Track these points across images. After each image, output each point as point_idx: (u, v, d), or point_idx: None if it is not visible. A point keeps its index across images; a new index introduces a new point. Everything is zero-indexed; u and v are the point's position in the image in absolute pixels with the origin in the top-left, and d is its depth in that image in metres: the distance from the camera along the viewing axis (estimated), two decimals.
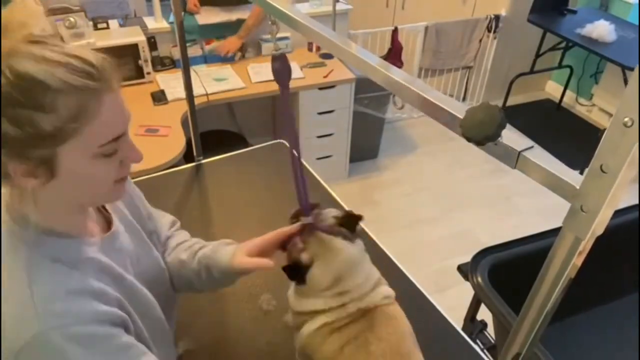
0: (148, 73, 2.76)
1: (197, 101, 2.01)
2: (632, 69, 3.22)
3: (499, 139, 0.58)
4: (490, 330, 1.63)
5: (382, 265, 1.52)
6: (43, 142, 0.64)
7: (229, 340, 1.28)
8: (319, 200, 1.44)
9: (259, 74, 2.89)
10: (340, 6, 3.13)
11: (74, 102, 0.64)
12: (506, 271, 1.59)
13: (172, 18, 2.77)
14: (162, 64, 2.91)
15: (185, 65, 1.71)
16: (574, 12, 3.82)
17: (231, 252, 1.00)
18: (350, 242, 1.00)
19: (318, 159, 3.19)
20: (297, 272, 0.98)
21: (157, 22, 2.86)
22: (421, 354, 1.03)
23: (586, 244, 0.56)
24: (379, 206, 3.28)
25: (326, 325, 0.98)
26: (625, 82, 3.66)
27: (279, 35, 3.08)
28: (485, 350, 1.51)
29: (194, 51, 2.93)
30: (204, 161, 1.92)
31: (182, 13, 1.76)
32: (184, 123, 2.44)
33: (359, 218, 1.04)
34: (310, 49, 3.25)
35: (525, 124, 3.75)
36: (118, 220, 0.88)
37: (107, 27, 2.72)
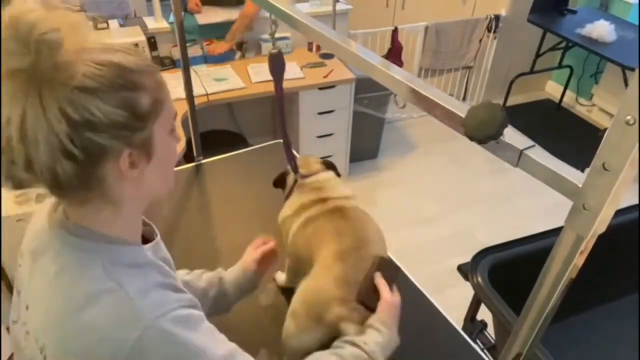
0: None
1: (197, 101, 2.01)
2: (632, 69, 3.23)
3: (501, 137, 0.58)
4: (490, 330, 1.63)
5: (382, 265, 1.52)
6: (145, 120, 0.68)
7: None
8: None
9: (259, 74, 2.89)
10: (340, 6, 3.13)
11: (152, 79, 0.69)
12: (506, 271, 1.59)
13: (172, 18, 2.77)
14: (162, 64, 2.91)
15: (185, 65, 1.71)
16: (574, 12, 3.82)
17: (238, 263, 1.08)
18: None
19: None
20: (281, 180, 1.32)
21: (157, 22, 2.86)
22: (387, 253, 1.18)
23: (588, 243, 0.56)
24: (378, 206, 3.28)
25: (309, 219, 1.18)
26: (625, 82, 3.66)
27: (279, 35, 3.07)
28: (485, 350, 1.51)
29: (194, 51, 2.93)
30: (204, 161, 1.92)
31: (182, 13, 1.76)
32: (184, 123, 2.43)
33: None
34: (310, 49, 3.25)
35: (525, 124, 3.74)
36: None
37: (107, 27, 2.72)
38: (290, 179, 1.31)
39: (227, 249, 1.53)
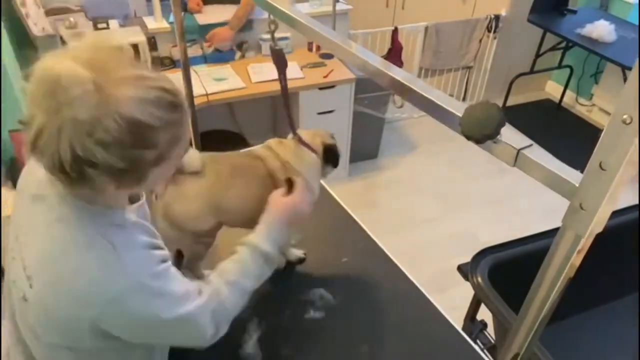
0: None
1: (197, 101, 2.02)
2: (632, 69, 3.22)
3: (498, 137, 0.58)
4: (490, 330, 1.63)
5: (382, 265, 1.53)
6: (143, 168, 0.77)
7: None
8: (318, 201, 1.44)
9: (259, 74, 2.89)
10: (340, 6, 3.13)
11: (170, 134, 0.77)
12: (506, 271, 1.59)
13: (172, 18, 2.77)
14: (162, 64, 2.91)
15: (185, 65, 1.71)
16: (574, 12, 3.81)
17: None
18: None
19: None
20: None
21: (157, 22, 2.86)
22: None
23: (585, 242, 0.56)
24: (379, 206, 3.28)
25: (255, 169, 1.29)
26: (625, 82, 3.65)
27: (279, 35, 3.08)
28: (485, 350, 1.50)
29: (194, 51, 2.93)
30: None
31: (182, 13, 1.76)
32: None
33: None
34: (310, 49, 3.25)
35: (525, 124, 3.73)
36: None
37: (107, 27, 2.72)
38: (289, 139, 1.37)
39: (227, 249, 1.52)
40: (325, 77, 2.96)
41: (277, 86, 1.28)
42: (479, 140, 0.59)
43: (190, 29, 2.89)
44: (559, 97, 4.37)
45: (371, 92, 3.21)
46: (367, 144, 3.56)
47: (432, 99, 0.69)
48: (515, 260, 1.64)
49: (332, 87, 2.97)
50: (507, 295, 1.48)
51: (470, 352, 1.30)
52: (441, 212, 3.25)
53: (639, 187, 1.90)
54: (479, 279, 1.54)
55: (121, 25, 2.78)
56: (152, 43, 2.84)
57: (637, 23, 3.59)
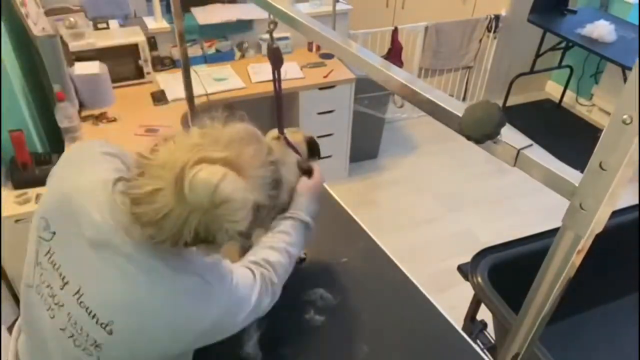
0: (148, 73, 2.76)
1: (197, 101, 2.01)
2: (632, 69, 3.22)
3: (498, 137, 0.58)
4: (490, 330, 1.63)
5: (382, 265, 1.53)
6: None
7: None
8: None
9: (259, 74, 2.89)
10: (340, 6, 3.13)
11: (271, 208, 0.89)
12: (506, 271, 1.59)
13: (172, 18, 2.77)
14: (162, 64, 2.91)
15: (185, 65, 1.71)
16: (574, 12, 3.81)
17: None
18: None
19: (318, 158, 3.18)
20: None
21: (157, 22, 2.86)
22: None
23: (585, 243, 0.56)
24: (379, 206, 3.28)
25: None
26: (625, 82, 3.65)
27: (279, 35, 3.08)
28: (485, 350, 1.50)
29: (194, 51, 2.93)
30: None
31: (182, 13, 1.76)
32: (184, 123, 2.44)
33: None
34: (310, 49, 3.25)
35: (525, 124, 3.74)
36: None
37: (107, 27, 2.72)
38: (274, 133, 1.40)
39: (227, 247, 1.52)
40: (325, 77, 2.96)
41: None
42: (479, 140, 0.59)
43: (190, 29, 2.89)
44: (559, 97, 4.37)
45: (371, 92, 3.21)
46: (367, 144, 3.56)
47: (432, 99, 0.69)
48: (515, 260, 1.64)
49: (332, 87, 2.97)
50: (507, 295, 1.48)
51: (470, 352, 1.30)
52: (441, 212, 3.25)
53: (639, 187, 1.90)
54: (479, 279, 1.54)
55: (121, 25, 2.79)
56: (152, 43, 2.84)
57: (637, 23, 3.59)
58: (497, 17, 3.72)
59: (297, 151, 1.36)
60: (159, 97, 2.65)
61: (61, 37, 2.45)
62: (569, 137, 3.97)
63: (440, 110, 0.67)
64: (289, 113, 3.04)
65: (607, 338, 1.88)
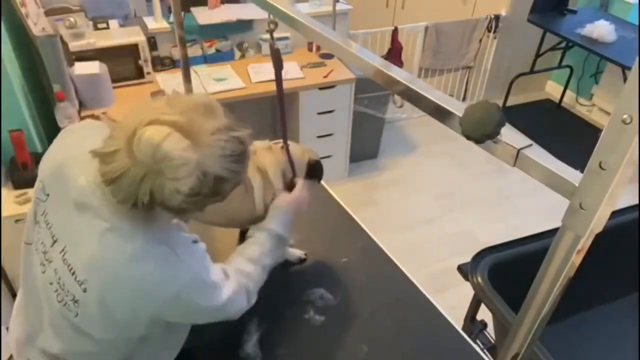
0: (148, 73, 2.76)
1: None
2: (631, 69, 3.22)
3: (498, 137, 0.58)
4: (490, 330, 1.63)
5: (382, 265, 1.53)
6: (205, 207, 0.87)
7: None
8: (318, 201, 1.44)
9: (259, 74, 2.89)
10: (340, 6, 3.13)
11: (236, 181, 0.88)
12: (506, 271, 1.59)
13: (172, 18, 2.77)
14: (162, 64, 2.91)
15: (185, 65, 1.71)
16: (574, 12, 3.81)
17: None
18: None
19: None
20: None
21: (157, 22, 2.86)
22: None
23: (585, 242, 0.56)
24: (379, 206, 3.27)
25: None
26: (625, 82, 3.65)
27: (279, 35, 3.08)
28: (485, 350, 1.51)
29: (194, 51, 2.93)
30: None
31: (182, 13, 1.77)
32: None
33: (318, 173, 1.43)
34: (310, 49, 3.25)
35: (525, 124, 3.74)
36: None
37: (107, 27, 2.72)
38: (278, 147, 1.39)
39: (227, 248, 1.53)
40: (325, 77, 2.96)
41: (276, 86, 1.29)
42: (478, 140, 0.59)
43: (190, 29, 2.89)
44: (559, 97, 4.37)
45: (371, 92, 3.21)
46: (367, 144, 3.56)
47: (432, 99, 0.69)
48: (515, 260, 1.64)
49: (332, 87, 2.97)
50: (507, 295, 1.48)
51: (470, 352, 1.30)
52: (441, 212, 3.25)
53: (639, 187, 1.90)
54: (479, 279, 1.54)
55: (121, 25, 2.78)
56: (152, 43, 2.84)
57: (637, 23, 3.59)
58: (497, 17, 3.72)
59: (293, 167, 1.34)
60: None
61: (61, 37, 2.45)
62: (569, 137, 3.97)
63: (440, 110, 0.67)
64: (289, 113, 3.04)
65: (607, 338, 1.88)
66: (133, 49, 2.65)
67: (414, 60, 3.76)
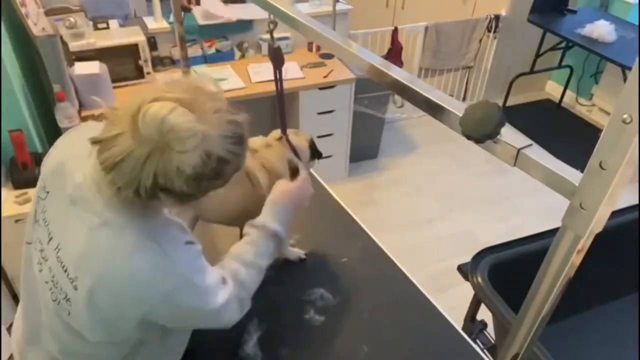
0: (148, 73, 2.76)
1: None
2: (631, 69, 3.22)
3: (498, 137, 0.58)
4: (490, 330, 1.63)
5: (382, 265, 1.53)
6: (207, 193, 0.86)
7: None
8: (318, 201, 1.44)
9: (259, 74, 2.89)
10: (340, 6, 3.13)
11: (236, 164, 0.86)
12: (506, 271, 1.59)
13: (172, 18, 2.77)
14: (162, 64, 2.91)
15: (185, 65, 1.71)
16: (574, 12, 3.81)
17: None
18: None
19: (318, 159, 3.18)
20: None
21: (157, 22, 2.86)
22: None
23: (585, 242, 0.56)
24: (379, 206, 3.28)
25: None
26: (625, 82, 3.65)
27: (279, 35, 3.08)
28: (485, 350, 1.51)
29: (194, 51, 2.93)
30: None
31: (182, 13, 1.76)
32: None
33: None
34: (310, 49, 3.25)
35: (525, 124, 3.74)
36: None
37: (107, 27, 2.72)
38: (277, 134, 1.40)
39: (227, 248, 1.53)
40: (325, 77, 2.96)
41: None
42: (479, 140, 0.59)
43: (190, 29, 2.89)
44: (559, 97, 4.37)
45: (371, 92, 3.21)
46: (367, 144, 3.56)
47: (432, 99, 0.69)
48: (515, 260, 1.64)
49: (332, 87, 2.97)
50: (507, 295, 1.48)
51: (470, 352, 1.30)
52: (441, 212, 3.25)
53: (639, 187, 1.90)
54: (479, 279, 1.54)
55: (121, 25, 2.79)
56: (152, 43, 2.84)
57: (637, 23, 3.59)
58: (497, 17, 3.72)
59: (297, 154, 1.36)
60: None
61: (61, 37, 2.45)
62: (569, 137, 3.97)
63: (440, 110, 0.67)
64: (289, 113, 3.04)
65: (607, 338, 1.88)
66: (133, 49, 2.65)
67: (414, 60, 3.76)
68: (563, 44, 3.92)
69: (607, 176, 0.50)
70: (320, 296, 1.39)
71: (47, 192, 0.94)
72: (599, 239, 0.57)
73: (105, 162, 0.78)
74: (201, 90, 0.83)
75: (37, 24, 2.32)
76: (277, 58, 1.30)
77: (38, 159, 2.11)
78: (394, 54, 3.56)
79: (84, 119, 2.41)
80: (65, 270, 0.87)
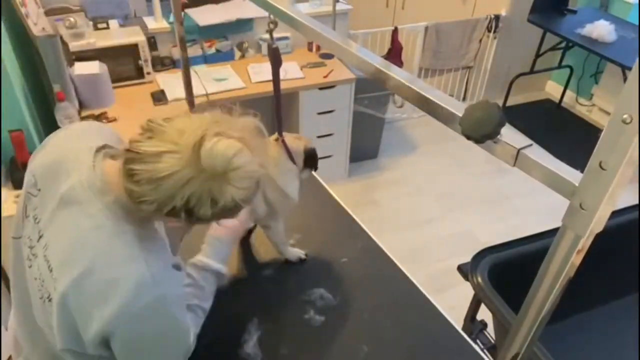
0: (148, 73, 2.76)
1: (197, 101, 2.02)
2: (632, 69, 3.22)
3: (498, 137, 0.58)
4: (490, 330, 1.63)
5: (382, 265, 1.53)
6: (214, 221, 0.88)
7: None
8: (318, 201, 1.45)
9: (259, 74, 2.89)
10: (340, 6, 3.13)
11: (248, 206, 0.87)
12: (506, 271, 1.59)
13: (172, 18, 2.77)
14: (162, 64, 2.91)
15: (185, 65, 1.71)
16: (574, 12, 3.81)
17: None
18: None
19: (318, 158, 3.18)
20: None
21: (157, 22, 2.86)
22: None
23: (585, 242, 0.56)
24: (379, 206, 3.28)
25: None
26: (625, 82, 3.65)
27: (279, 35, 3.08)
28: (485, 350, 1.51)
29: (194, 51, 2.93)
30: None
31: (182, 13, 1.77)
32: None
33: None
34: (310, 49, 3.25)
35: (525, 124, 3.74)
36: None
37: (107, 27, 2.72)
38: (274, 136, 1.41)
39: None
40: (325, 77, 2.96)
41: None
42: (478, 140, 0.59)
43: (190, 29, 2.89)
44: (559, 97, 4.37)
45: (371, 92, 3.21)
46: (367, 144, 3.56)
47: (432, 99, 0.69)
48: (515, 260, 1.64)
49: (332, 87, 2.97)
50: (507, 295, 1.48)
51: (470, 352, 1.30)
52: (441, 212, 3.25)
53: (639, 187, 1.90)
54: (479, 279, 1.54)
55: (121, 25, 2.79)
56: (152, 43, 2.84)
57: (637, 23, 3.59)
58: (497, 17, 3.72)
59: (292, 158, 1.35)
60: (159, 97, 2.65)
61: (61, 37, 2.45)
62: (569, 137, 3.97)
63: (440, 110, 0.67)
64: (289, 113, 3.04)
65: (608, 338, 1.88)
66: (133, 49, 2.65)
67: (414, 60, 3.76)
68: (563, 44, 3.92)
69: (607, 176, 0.50)
70: (320, 296, 1.39)
71: (39, 190, 0.93)
72: (599, 239, 0.57)
73: (142, 174, 0.78)
74: (253, 132, 0.87)
75: (37, 24, 2.32)
76: (275, 58, 1.31)
77: None
78: (394, 54, 3.56)
79: (84, 119, 2.41)
80: (51, 270, 0.86)
